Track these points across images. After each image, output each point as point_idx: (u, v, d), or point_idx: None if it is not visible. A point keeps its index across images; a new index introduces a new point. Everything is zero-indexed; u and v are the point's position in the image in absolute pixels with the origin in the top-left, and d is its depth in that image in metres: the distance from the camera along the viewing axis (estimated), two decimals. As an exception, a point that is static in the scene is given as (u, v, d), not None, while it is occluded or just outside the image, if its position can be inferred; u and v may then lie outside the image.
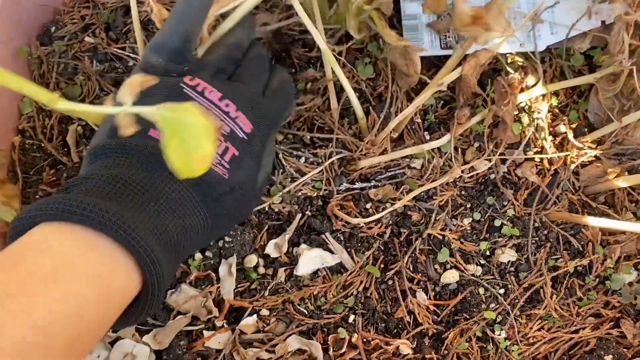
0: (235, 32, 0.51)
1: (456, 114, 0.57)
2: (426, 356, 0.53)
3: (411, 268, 0.56)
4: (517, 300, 0.55)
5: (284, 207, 0.56)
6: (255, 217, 0.56)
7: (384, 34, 0.53)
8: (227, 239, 0.54)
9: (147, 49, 0.46)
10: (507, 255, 0.56)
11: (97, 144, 0.43)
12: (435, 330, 0.55)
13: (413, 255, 0.56)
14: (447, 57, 0.57)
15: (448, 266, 0.56)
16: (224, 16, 0.51)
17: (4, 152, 0.58)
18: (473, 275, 0.56)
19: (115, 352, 0.52)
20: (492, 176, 0.58)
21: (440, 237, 0.56)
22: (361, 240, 0.56)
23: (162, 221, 0.39)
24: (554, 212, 0.57)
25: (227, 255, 0.54)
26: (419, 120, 0.59)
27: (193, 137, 0.34)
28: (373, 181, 0.58)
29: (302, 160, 0.57)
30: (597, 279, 0.56)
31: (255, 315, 0.53)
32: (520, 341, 0.55)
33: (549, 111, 0.60)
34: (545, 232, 0.57)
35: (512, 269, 0.56)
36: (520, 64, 0.61)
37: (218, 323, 0.53)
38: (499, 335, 0.55)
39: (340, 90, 0.60)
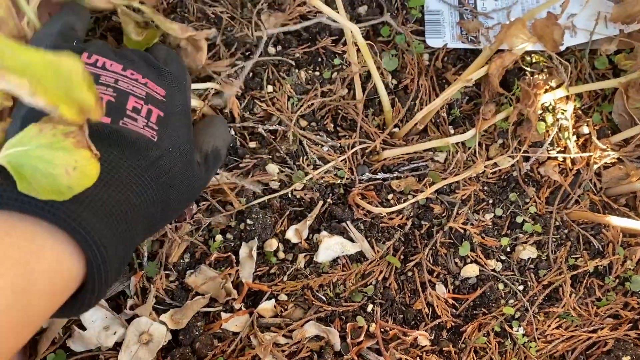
0: None
1: (481, 110, 0.57)
2: (444, 349, 0.53)
3: (431, 260, 0.55)
4: (536, 298, 0.55)
5: (305, 194, 0.56)
6: (276, 202, 0.56)
7: (165, 28, 0.52)
8: (249, 221, 0.54)
9: (32, 39, 0.45)
10: (528, 252, 0.56)
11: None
12: (453, 324, 0.54)
13: (434, 247, 0.56)
14: (468, 51, 0.59)
15: (468, 260, 0.56)
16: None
17: None
18: (493, 270, 0.56)
19: (132, 329, 0.51)
20: (515, 173, 0.58)
21: (462, 231, 0.56)
22: (382, 231, 0.56)
23: (98, 192, 0.35)
24: (575, 212, 0.57)
25: (247, 238, 0.54)
26: (444, 115, 0.59)
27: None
28: (396, 172, 0.58)
29: (325, 148, 0.57)
30: (617, 280, 0.56)
31: (273, 300, 0.53)
32: (538, 338, 0.54)
33: (572, 112, 0.60)
34: (566, 231, 0.57)
35: (532, 266, 0.56)
36: (545, 63, 0.61)
37: (236, 306, 0.53)
38: (517, 331, 0.54)
39: (365, 80, 0.60)
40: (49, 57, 0.32)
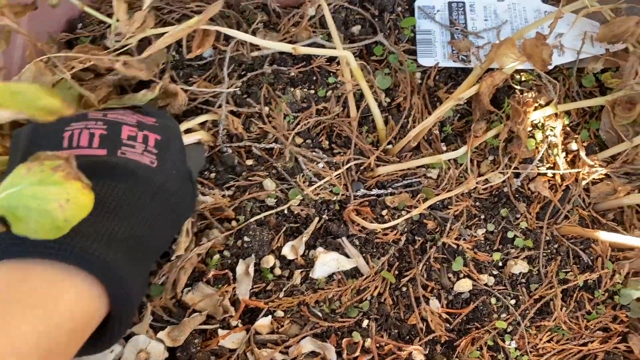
0: None
1: (473, 127, 0.59)
2: (438, 363, 0.54)
3: (425, 276, 0.56)
4: (527, 312, 0.56)
5: (302, 210, 0.57)
6: (273, 219, 0.56)
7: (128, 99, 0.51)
8: (246, 238, 0.54)
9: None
10: (519, 267, 0.57)
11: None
12: (447, 338, 0.55)
13: (427, 263, 0.56)
14: (459, 70, 0.61)
15: (461, 275, 0.57)
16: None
17: None
18: (486, 285, 0.57)
19: (129, 347, 0.51)
20: (506, 189, 0.60)
21: (455, 247, 0.57)
22: (377, 246, 0.57)
23: (107, 224, 0.36)
24: (565, 227, 0.59)
25: (244, 255, 0.55)
26: (437, 132, 0.60)
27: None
28: (390, 188, 0.59)
29: (321, 165, 0.58)
30: (606, 294, 0.58)
31: (270, 316, 0.54)
32: (530, 352, 0.55)
33: (561, 129, 0.62)
34: (556, 245, 0.58)
35: (524, 280, 0.57)
36: (534, 82, 0.63)
37: (233, 322, 0.53)
38: (510, 345, 0.55)
39: (359, 98, 0.61)
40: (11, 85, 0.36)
